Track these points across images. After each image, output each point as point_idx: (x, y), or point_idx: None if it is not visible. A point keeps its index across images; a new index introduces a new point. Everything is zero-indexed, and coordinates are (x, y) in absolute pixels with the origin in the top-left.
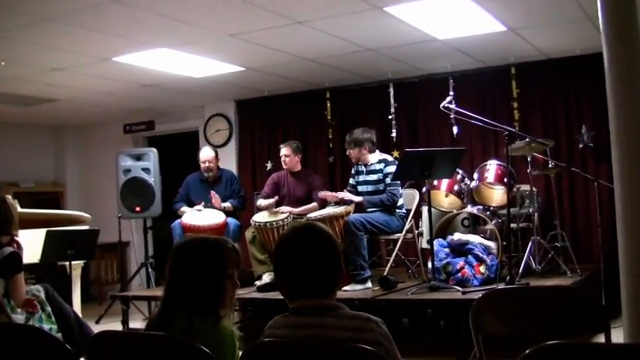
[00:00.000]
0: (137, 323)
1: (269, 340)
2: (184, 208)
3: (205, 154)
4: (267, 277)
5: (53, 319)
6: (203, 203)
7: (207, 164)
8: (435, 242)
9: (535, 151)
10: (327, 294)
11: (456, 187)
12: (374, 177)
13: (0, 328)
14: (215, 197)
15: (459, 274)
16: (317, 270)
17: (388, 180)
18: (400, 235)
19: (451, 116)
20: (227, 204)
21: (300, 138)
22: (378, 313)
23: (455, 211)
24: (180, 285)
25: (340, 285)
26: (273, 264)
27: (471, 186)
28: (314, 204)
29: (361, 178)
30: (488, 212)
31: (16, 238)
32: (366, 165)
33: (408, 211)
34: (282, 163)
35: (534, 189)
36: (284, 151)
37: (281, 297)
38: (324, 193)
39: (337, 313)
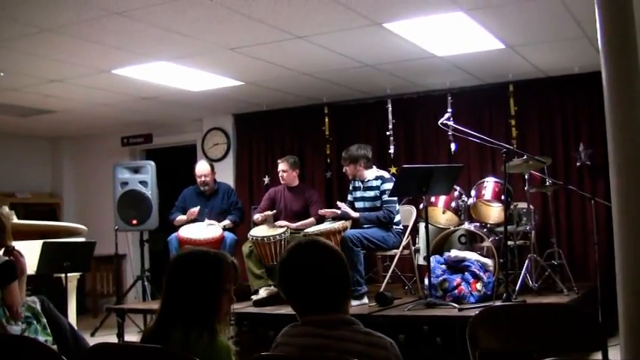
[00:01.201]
0: (132, 336)
1: (266, 354)
2: (181, 217)
3: (201, 168)
4: (263, 292)
5: (49, 330)
6: (206, 211)
7: (202, 178)
8: (432, 259)
9: (532, 168)
10: (338, 309)
11: (453, 204)
12: (371, 193)
13: None
14: (211, 222)
15: (456, 291)
16: (324, 285)
17: (385, 197)
18: (397, 252)
19: (449, 133)
20: (226, 222)
21: (298, 153)
22: (374, 329)
23: (452, 228)
24: (177, 297)
25: (347, 303)
26: (278, 280)
27: (468, 203)
28: (311, 219)
29: (358, 194)
30: (485, 229)
31: (14, 247)
32: (362, 181)
33: (405, 227)
34: (280, 178)
35: (531, 206)
36: (282, 166)
37: (277, 312)
38: (324, 211)
39: (353, 327)
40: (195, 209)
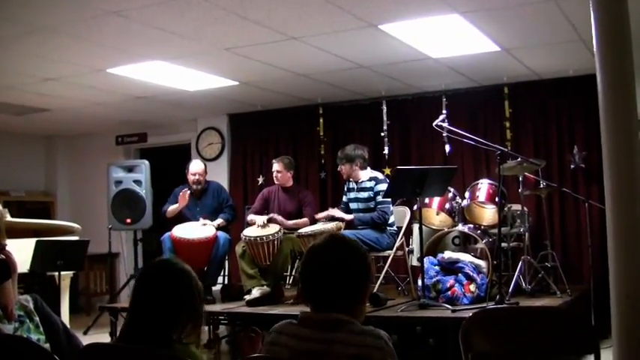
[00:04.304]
0: None
1: (260, 355)
2: (173, 207)
3: (196, 166)
4: (256, 292)
5: (41, 329)
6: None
7: (197, 177)
8: (426, 260)
9: (527, 171)
10: (344, 308)
11: (447, 206)
12: (364, 195)
13: None
14: (205, 221)
15: (449, 293)
16: (344, 277)
17: (379, 198)
18: (390, 253)
19: (443, 135)
20: (219, 220)
21: (292, 153)
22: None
23: (446, 230)
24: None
25: (360, 305)
26: (300, 269)
27: (462, 205)
28: (304, 219)
29: (352, 195)
30: (479, 231)
31: (5, 246)
32: (357, 182)
33: (399, 228)
34: (274, 178)
35: (525, 209)
36: (276, 166)
37: (270, 312)
38: (319, 216)
39: (347, 328)
40: (186, 192)
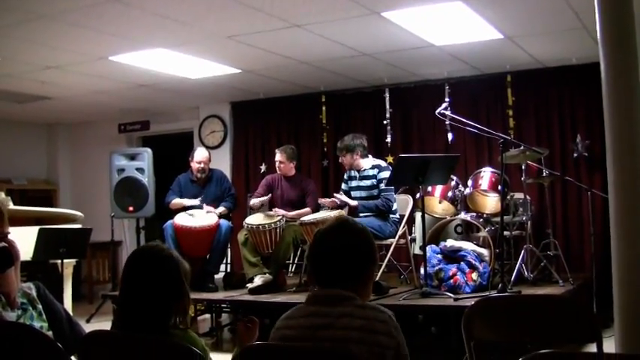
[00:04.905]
0: None
1: (260, 343)
2: (177, 200)
3: (202, 154)
4: (258, 280)
5: (44, 317)
6: (201, 199)
7: (202, 165)
8: (428, 248)
9: (529, 159)
10: (348, 288)
11: (449, 194)
12: (367, 182)
13: None
14: (209, 208)
15: (451, 281)
16: (345, 263)
17: (382, 185)
18: (393, 241)
19: (446, 123)
20: (221, 208)
21: (295, 141)
22: None
23: (448, 218)
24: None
25: (367, 285)
26: (308, 252)
27: (465, 193)
28: (307, 209)
29: (354, 183)
30: (481, 219)
31: (8, 234)
32: (359, 171)
33: (402, 216)
34: (277, 168)
35: (528, 197)
36: (279, 157)
37: (273, 300)
38: (323, 201)
39: (351, 302)
40: (195, 202)
